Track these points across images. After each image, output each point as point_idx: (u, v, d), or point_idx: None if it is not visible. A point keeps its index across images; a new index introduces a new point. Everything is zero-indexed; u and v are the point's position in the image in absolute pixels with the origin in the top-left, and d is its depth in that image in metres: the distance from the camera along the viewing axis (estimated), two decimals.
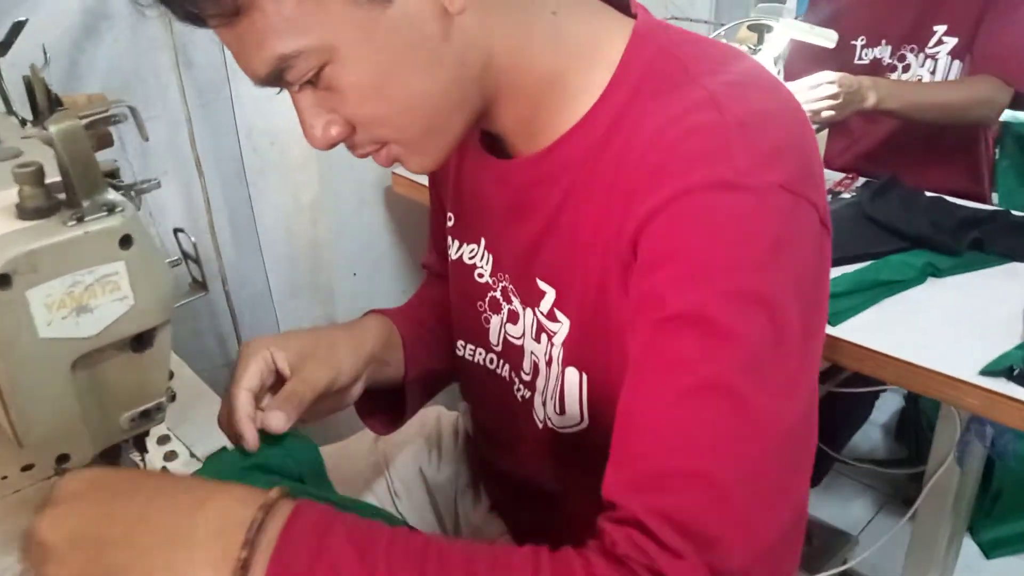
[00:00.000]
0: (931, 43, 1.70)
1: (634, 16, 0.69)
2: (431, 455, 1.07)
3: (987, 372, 1.03)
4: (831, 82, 1.52)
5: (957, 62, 1.70)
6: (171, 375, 1.09)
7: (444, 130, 0.67)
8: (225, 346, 1.60)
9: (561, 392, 0.74)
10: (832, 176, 1.67)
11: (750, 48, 1.47)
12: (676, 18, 1.63)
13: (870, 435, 2.30)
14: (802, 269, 0.58)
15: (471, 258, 0.85)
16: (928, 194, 1.53)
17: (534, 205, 0.72)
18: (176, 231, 0.69)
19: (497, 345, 0.84)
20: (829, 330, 1.14)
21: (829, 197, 1.57)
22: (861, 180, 1.64)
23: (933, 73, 1.72)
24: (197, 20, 0.59)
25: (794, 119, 0.62)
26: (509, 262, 0.79)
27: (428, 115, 0.65)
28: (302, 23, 0.57)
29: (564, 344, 0.72)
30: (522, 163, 0.72)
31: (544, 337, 0.75)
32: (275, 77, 0.61)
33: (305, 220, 1.64)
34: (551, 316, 0.73)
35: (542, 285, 0.73)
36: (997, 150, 1.93)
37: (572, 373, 0.72)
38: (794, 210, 0.57)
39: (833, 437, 1.82)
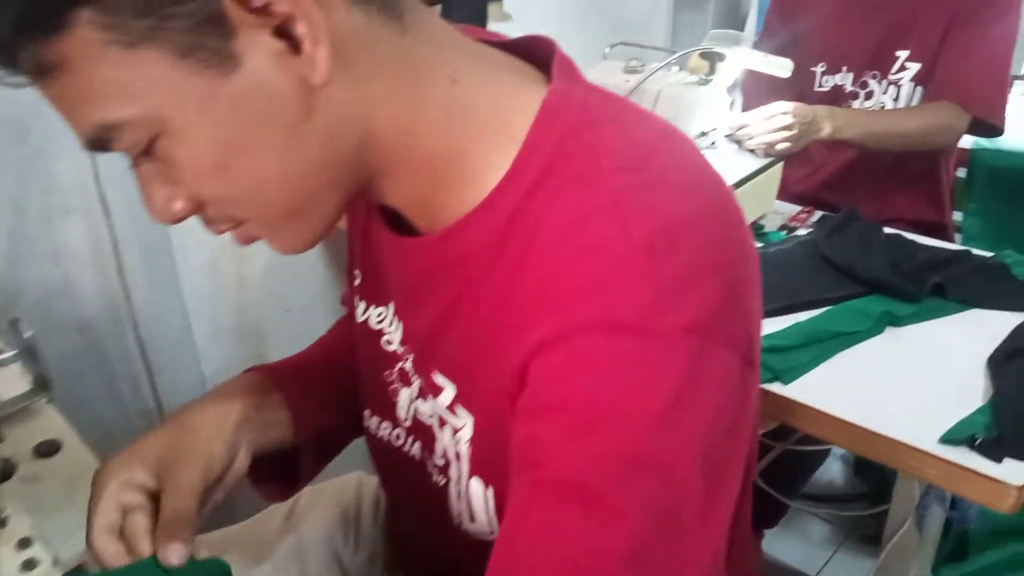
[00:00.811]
0: (894, 69, 1.64)
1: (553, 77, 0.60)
2: (348, 535, 0.98)
3: (948, 440, 0.95)
4: (785, 112, 1.46)
5: (920, 88, 1.64)
6: (57, 447, 0.98)
7: (311, 212, 0.58)
8: (140, 391, 1.49)
9: (469, 499, 0.65)
10: (788, 209, 1.60)
11: (702, 78, 1.39)
12: (626, 43, 1.55)
13: (829, 467, 2.23)
14: (710, 425, 0.49)
15: (379, 322, 0.76)
16: (887, 231, 1.46)
17: (433, 291, 0.63)
18: (13, 321, 0.59)
19: (406, 420, 0.74)
20: (780, 389, 1.06)
21: (784, 233, 1.49)
22: (818, 214, 1.57)
23: (896, 100, 1.66)
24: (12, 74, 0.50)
25: (718, 225, 0.53)
26: (412, 343, 0.70)
27: (288, 197, 0.56)
28: (123, 89, 0.48)
29: (471, 443, 0.63)
30: (419, 245, 0.63)
31: (448, 430, 0.66)
32: (99, 145, 0.51)
33: (230, 255, 1.54)
34: (452, 411, 0.64)
35: (440, 380, 0.65)
36: (957, 175, 1.87)
37: (477, 485, 0.63)
38: (702, 357, 0.48)
39: (788, 484, 1.74)
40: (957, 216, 1.93)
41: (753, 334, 0.53)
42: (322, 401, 0.84)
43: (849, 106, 1.70)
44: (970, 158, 1.95)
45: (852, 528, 2.07)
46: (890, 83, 1.65)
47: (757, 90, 1.74)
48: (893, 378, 1.08)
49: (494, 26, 1.82)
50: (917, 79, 1.63)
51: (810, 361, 1.11)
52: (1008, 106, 1.61)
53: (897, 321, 1.20)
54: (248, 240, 0.60)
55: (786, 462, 1.56)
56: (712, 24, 2.36)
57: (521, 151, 0.55)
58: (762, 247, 1.42)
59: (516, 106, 0.57)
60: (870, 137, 1.54)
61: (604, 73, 1.47)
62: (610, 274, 0.48)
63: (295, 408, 0.81)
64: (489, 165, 0.56)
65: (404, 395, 0.73)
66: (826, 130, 1.49)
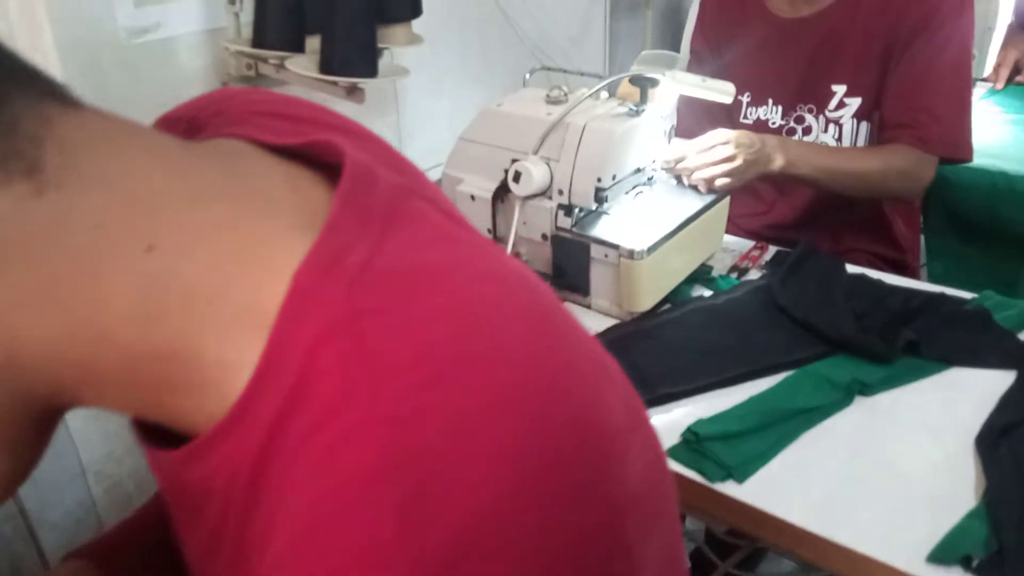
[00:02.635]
0: (831, 105, 1.46)
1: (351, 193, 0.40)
2: None
3: (938, 559, 0.78)
4: (726, 143, 1.28)
5: (865, 124, 1.45)
6: None
7: None
8: None
9: None
10: (739, 245, 1.43)
11: (631, 109, 1.21)
12: (548, 68, 1.36)
13: None
14: None
15: None
16: (849, 269, 1.29)
17: (190, 516, 0.43)
18: None
19: None
20: (733, 490, 0.89)
21: (735, 276, 1.32)
22: (772, 250, 1.40)
23: (839, 140, 1.48)
24: None
25: (548, 519, 0.34)
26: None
27: None
28: None
29: None
30: (165, 460, 0.42)
31: None
32: None
33: None
34: None
35: None
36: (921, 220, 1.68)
37: None
38: None
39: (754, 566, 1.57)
40: None
41: None
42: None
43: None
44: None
45: None
46: (829, 121, 1.47)
47: (690, 118, 1.58)
48: (865, 469, 0.91)
49: (402, 53, 1.63)
50: (859, 115, 1.45)
51: (768, 450, 0.94)
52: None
53: (867, 389, 1.02)
54: None
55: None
56: (651, 33, 2.19)
57: (264, 357, 0.35)
58: (711, 297, 1.24)
59: (262, 274, 0.37)
60: (825, 174, 1.34)
61: (523, 104, 1.29)
62: None
63: None
64: (230, 364, 0.36)
65: None
66: (777, 162, 1.31)
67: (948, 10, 1.33)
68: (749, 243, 1.43)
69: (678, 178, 1.32)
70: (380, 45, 1.40)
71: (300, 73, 1.08)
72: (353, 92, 1.09)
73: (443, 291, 0.38)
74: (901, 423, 0.98)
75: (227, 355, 0.36)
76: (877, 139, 1.45)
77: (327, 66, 1.09)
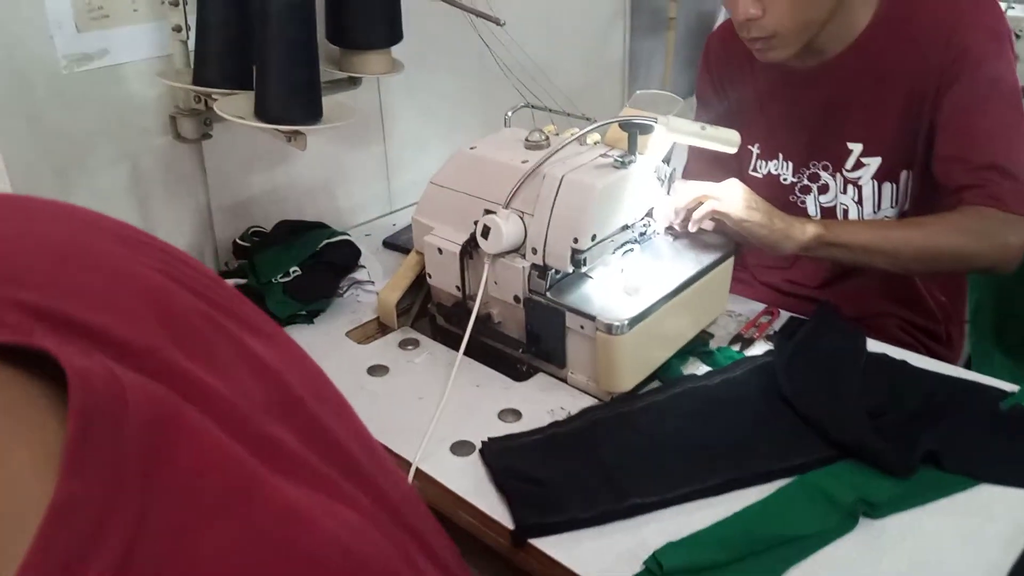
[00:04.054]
0: (848, 165, 1.28)
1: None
2: None
3: None
4: (733, 189, 1.12)
5: (888, 185, 1.27)
6: None
7: None
8: None
9: None
10: (747, 309, 1.26)
11: (618, 159, 1.06)
12: (534, 106, 1.22)
13: None
14: None
15: None
16: (872, 345, 1.12)
17: None
18: None
19: None
20: None
21: (737, 349, 1.16)
22: (784, 316, 1.23)
23: (859, 202, 1.30)
24: None
25: None
26: None
27: None
28: None
29: None
30: None
31: None
32: None
33: None
34: None
35: None
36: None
37: None
38: None
39: None
40: None
41: None
42: None
43: (800, 200, 1.35)
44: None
45: None
46: (847, 181, 1.29)
47: (697, 162, 1.43)
48: None
49: (384, 80, 1.49)
50: (880, 176, 1.26)
51: None
52: None
53: (873, 511, 0.86)
54: None
55: None
56: (672, 57, 2.03)
57: None
58: (705, 376, 1.08)
59: None
60: (889, 242, 1.14)
61: (499, 147, 1.14)
62: None
63: None
64: None
65: None
66: (808, 232, 1.12)
67: (980, 50, 1.14)
68: (759, 306, 1.26)
69: (675, 234, 1.16)
70: (355, 74, 1.27)
71: (228, 118, 0.95)
72: (295, 138, 0.96)
73: None
74: (912, 560, 0.81)
75: None
76: (916, 206, 1.27)
77: (260, 111, 0.95)
